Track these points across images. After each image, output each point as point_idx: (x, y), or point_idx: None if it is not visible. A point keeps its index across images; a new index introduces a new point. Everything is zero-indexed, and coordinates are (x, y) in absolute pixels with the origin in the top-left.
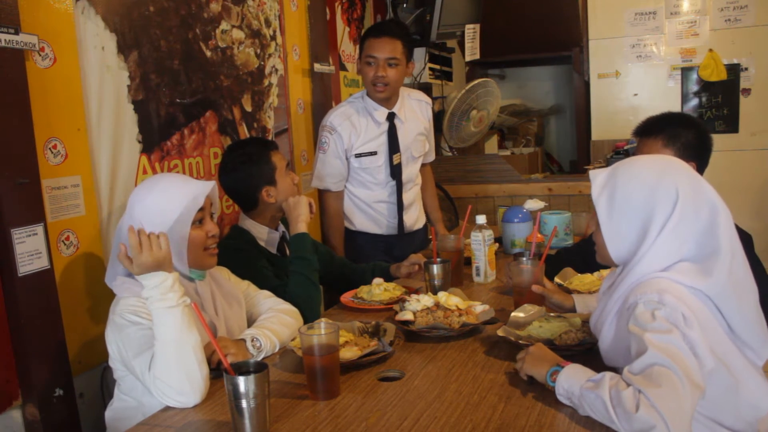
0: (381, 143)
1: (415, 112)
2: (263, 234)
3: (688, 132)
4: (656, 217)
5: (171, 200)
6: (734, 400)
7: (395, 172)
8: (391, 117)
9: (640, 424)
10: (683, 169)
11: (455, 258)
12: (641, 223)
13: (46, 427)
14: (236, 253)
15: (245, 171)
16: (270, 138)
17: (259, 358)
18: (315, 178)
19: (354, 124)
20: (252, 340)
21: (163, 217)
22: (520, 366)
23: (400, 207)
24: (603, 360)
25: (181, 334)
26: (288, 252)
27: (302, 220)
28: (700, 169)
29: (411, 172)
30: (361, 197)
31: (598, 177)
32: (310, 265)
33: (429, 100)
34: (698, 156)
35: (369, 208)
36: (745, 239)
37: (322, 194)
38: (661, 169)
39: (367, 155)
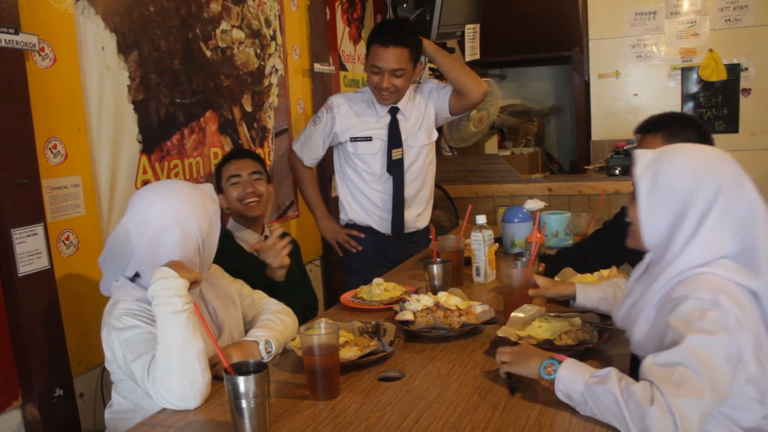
0: (379, 132)
1: (419, 102)
2: (242, 233)
3: (689, 131)
4: (694, 208)
5: (204, 206)
6: (760, 407)
7: (393, 166)
8: (393, 111)
9: (652, 420)
10: (729, 163)
11: (455, 258)
12: (678, 211)
13: (46, 427)
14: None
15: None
16: (270, 138)
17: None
18: (297, 142)
19: (353, 108)
20: (265, 344)
21: (204, 224)
22: (504, 360)
23: (398, 205)
24: (633, 350)
25: (185, 340)
26: None
27: (277, 274)
28: None
29: (414, 165)
30: (357, 185)
31: (643, 156)
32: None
33: (431, 81)
34: None
35: (364, 198)
36: None
37: (295, 158)
38: (708, 160)
39: (362, 140)
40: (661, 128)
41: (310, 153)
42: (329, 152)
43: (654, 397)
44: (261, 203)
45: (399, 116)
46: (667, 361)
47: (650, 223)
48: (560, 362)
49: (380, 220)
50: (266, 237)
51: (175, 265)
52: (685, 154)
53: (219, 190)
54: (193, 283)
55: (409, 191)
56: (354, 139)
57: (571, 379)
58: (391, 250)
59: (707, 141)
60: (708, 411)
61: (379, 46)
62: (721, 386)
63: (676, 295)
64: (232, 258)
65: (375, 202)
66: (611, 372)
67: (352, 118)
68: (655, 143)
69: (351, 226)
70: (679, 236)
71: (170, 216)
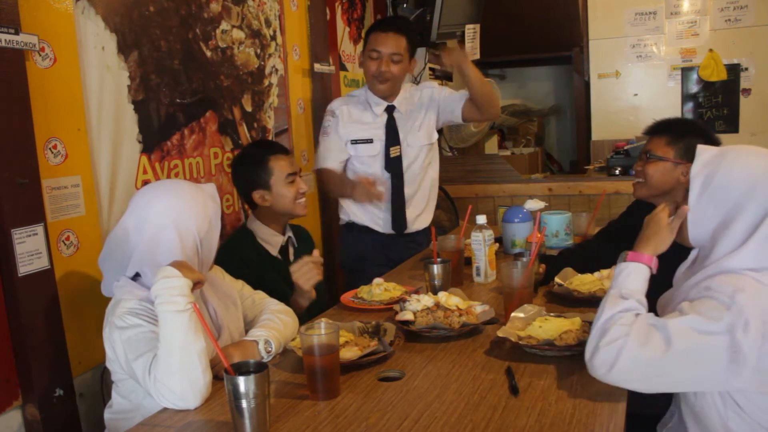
0: (377, 132)
1: (419, 103)
2: (266, 236)
3: (694, 137)
4: (744, 215)
5: (204, 206)
6: None
7: (391, 164)
8: (390, 109)
9: (597, 357)
10: None
11: (455, 258)
12: (726, 214)
13: (46, 427)
14: (229, 250)
15: (239, 170)
16: (270, 137)
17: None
18: (319, 159)
19: (351, 111)
20: (265, 343)
21: (203, 224)
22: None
23: (398, 203)
24: None
25: (187, 339)
26: (291, 257)
27: (303, 301)
28: None
29: (413, 165)
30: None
31: (704, 154)
32: None
33: (431, 83)
34: None
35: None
36: None
37: (323, 176)
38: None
39: (362, 142)
40: (667, 130)
41: (334, 155)
42: None
43: (616, 341)
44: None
45: (396, 114)
46: (655, 324)
47: (697, 222)
48: (631, 261)
49: (382, 221)
50: (289, 237)
51: (179, 265)
52: (746, 160)
53: (263, 185)
54: (197, 284)
55: (408, 191)
56: (355, 142)
57: (620, 276)
58: (393, 249)
59: None
60: (663, 378)
61: (379, 32)
62: (693, 371)
63: (702, 285)
64: (253, 265)
65: (376, 203)
66: (628, 301)
67: (351, 121)
68: (659, 144)
69: (350, 225)
70: (724, 240)
71: (169, 215)
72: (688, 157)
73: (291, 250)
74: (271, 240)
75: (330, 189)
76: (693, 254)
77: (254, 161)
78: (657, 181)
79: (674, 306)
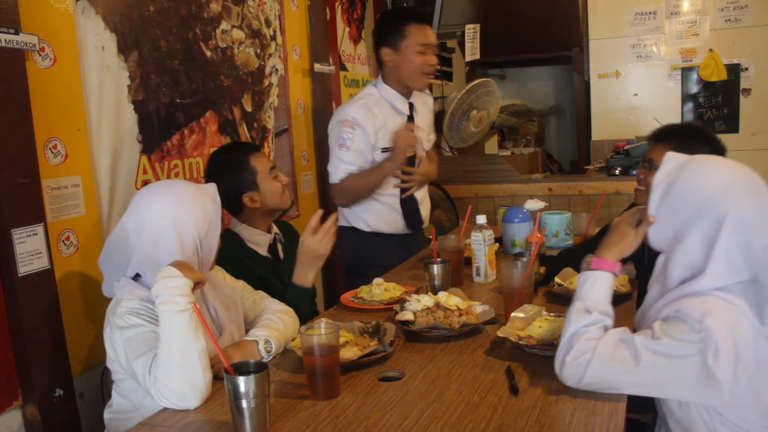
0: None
1: (425, 107)
2: (253, 237)
3: (700, 146)
4: (697, 228)
5: (203, 207)
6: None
7: (410, 163)
8: (410, 107)
9: (567, 371)
10: (753, 190)
11: (455, 258)
12: (680, 226)
13: (46, 427)
14: (221, 255)
15: (224, 179)
16: (270, 138)
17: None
18: (338, 171)
19: (377, 115)
20: (265, 343)
21: (202, 225)
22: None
23: (415, 200)
24: None
25: (187, 339)
26: (281, 254)
27: (312, 272)
28: None
29: (421, 168)
30: (375, 195)
31: (670, 162)
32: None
33: (429, 93)
34: None
35: (380, 204)
36: None
37: (343, 186)
38: (726, 184)
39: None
40: (673, 138)
41: (360, 167)
42: (325, 153)
43: (582, 356)
44: None
45: (414, 112)
46: (624, 339)
47: (656, 230)
48: (595, 270)
49: (400, 224)
50: (276, 234)
51: (179, 265)
52: (705, 172)
53: (251, 187)
54: (197, 284)
55: (421, 191)
56: (386, 150)
57: (584, 286)
58: (402, 249)
59: None
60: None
61: (419, 24)
62: (664, 386)
63: (675, 308)
64: (249, 268)
65: (392, 205)
66: (593, 315)
67: (379, 128)
68: (663, 152)
69: (350, 229)
70: (678, 253)
71: (168, 215)
72: None
73: (279, 247)
74: (259, 240)
75: (362, 184)
76: (660, 261)
77: (236, 165)
78: None
79: (648, 324)
